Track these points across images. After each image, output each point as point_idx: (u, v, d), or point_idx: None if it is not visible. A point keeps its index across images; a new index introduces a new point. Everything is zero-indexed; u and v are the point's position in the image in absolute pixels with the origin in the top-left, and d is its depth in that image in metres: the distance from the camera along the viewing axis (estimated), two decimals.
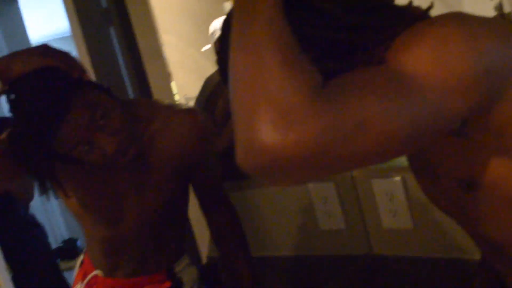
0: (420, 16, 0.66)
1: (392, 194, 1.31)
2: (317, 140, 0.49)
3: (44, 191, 1.12)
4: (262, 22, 0.54)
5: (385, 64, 0.59)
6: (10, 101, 1.00)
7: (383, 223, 1.35)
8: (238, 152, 0.52)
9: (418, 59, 0.57)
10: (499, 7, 1.39)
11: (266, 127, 0.50)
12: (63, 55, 1.04)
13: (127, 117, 1.07)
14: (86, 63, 1.72)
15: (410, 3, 0.69)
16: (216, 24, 1.68)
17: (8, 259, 2.07)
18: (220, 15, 1.58)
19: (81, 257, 1.40)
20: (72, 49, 1.72)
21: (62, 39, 3.68)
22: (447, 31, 0.59)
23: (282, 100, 0.50)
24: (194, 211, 1.38)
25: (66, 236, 4.27)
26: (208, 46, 1.77)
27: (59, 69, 1.01)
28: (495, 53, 0.60)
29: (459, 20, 0.62)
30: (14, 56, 1.02)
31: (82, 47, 1.75)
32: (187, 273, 1.35)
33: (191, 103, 1.81)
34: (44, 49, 1.03)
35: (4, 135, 1.08)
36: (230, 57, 0.56)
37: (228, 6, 1.58)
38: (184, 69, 1.78)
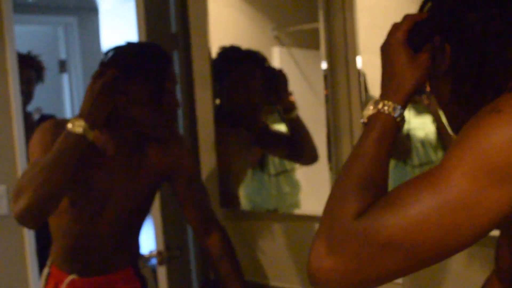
0: None
1: None
2: (346, 267, 0.62)
3: None
4: (362, 161, 0.71)
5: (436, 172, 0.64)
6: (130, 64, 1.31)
7: None
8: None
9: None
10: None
11: (316, 249, 0.65)
12: None
13: None
14: None
15: None
16: None
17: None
18: (269, 59, 1.76)
19: (45, 271, 1.49)
20: None
21: None
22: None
23: (332, 228, 0.65)
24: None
25: None
26: None
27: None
28: None
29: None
30: None
31: None
32: (146, 271, 1.54)
33: None
34: None
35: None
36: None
37: (276, 50, 1.76)
38: None
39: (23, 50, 2.41)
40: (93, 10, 4.08)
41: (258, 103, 1.79)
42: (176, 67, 1.92)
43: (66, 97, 4.11)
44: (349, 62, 1.49)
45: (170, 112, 1.37)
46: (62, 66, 3.83)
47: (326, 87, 1.53)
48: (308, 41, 1.68)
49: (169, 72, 1.36)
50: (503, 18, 0.69)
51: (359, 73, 1.46)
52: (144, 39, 1.86)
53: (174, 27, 1.94)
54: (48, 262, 1.49)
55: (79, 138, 1.22)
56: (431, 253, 0.62)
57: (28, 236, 1.97)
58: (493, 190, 0.60)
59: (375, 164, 0.71)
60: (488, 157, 0.60)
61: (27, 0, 3.45)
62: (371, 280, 0.63)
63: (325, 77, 1.53)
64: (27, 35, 3.69)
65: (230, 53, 1.80)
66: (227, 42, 1.82)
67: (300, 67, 1.75)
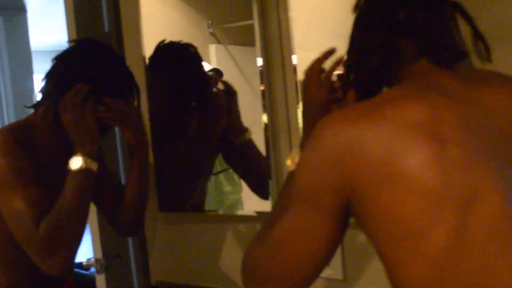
0: None
1: None
2: (249, 273, 0.92)
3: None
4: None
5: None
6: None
7: None
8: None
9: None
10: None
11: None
12: None
13: None
14: None
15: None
16: None
17: None
18: (205, 58, 1.73)
19: None
20: None
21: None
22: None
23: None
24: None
25: None
26: None
27: None
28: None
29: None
30: None
31: None
32: None
33: None
34: None
35: None
36: None
37: (213, 47, 1.73)
38: None
39: None
40: (20, 9, 3.91)
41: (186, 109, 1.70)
42: None
43: None
44: (285, 58, 1.49)
45: None
46: None
47: (262, 84, 1.52)
48: (245, 38, 1.66)
49: None
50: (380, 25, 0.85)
51: (295, 69, 1.46)
52: (74, 37, 1.78)
53: (107, 26, 1.87)
54: None
55: (86, 174, 1.24)
56: None
57: None
58: (300, 208, 0.77)
59: None
60: (297, 179, 0.77)
61: None
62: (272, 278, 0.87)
63: (261, 74, 1.52)
64: None
65: (163, 49, 1.72)
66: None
67: (237, 64, 1.73)
